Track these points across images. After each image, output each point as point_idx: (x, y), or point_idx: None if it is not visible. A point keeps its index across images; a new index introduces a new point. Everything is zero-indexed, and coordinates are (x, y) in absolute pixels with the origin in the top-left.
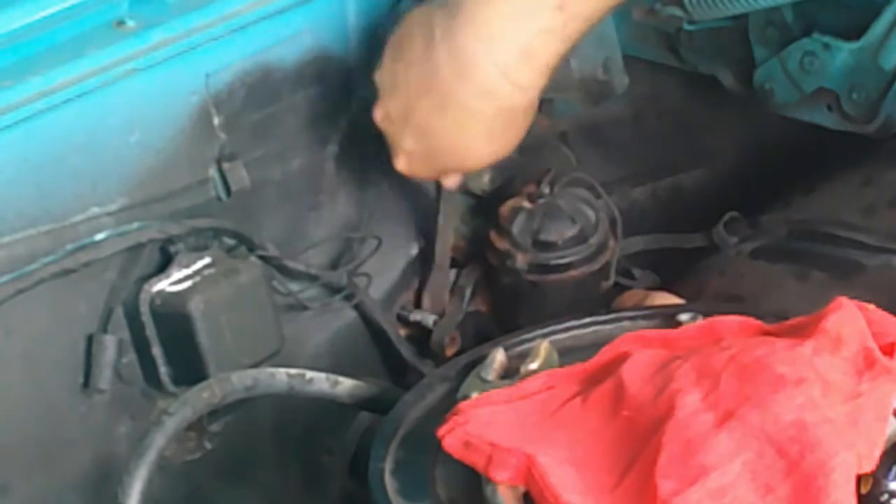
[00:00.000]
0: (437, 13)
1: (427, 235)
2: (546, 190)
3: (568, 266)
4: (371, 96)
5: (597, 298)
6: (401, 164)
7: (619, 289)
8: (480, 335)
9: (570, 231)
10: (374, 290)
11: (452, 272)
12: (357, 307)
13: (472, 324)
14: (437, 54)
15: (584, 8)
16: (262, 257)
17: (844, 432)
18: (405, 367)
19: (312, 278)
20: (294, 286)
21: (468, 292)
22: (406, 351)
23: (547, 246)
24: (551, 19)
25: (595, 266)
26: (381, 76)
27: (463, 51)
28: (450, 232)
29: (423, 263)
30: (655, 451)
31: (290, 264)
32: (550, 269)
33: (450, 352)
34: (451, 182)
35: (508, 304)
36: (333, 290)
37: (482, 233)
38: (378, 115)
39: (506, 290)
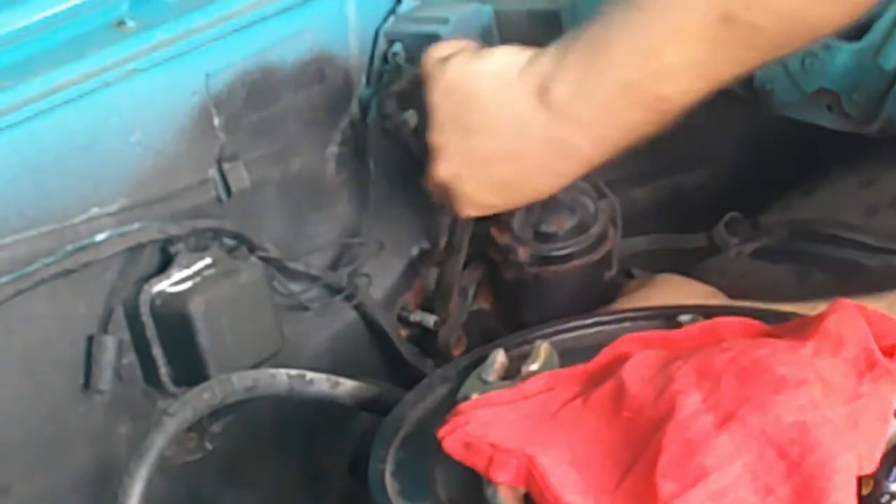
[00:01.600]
0: (526, 96)
1: (428, 236)
2: None
3: (570, 256)
4: (370, 98)
5: (600, 289)
6: (471, 210)
7: (616, 283)
8: (485, 333)
9: (570, 221)
10: (375, 290)
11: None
12: (357, 308)
13: (475, 322)
14: (532, 139)
15: (679, 99)
16: (262, 258)
17: (845, 434)
18: (406, 367)
19: (313, 279)
20: (294, 287)
21: (471, 291)
22: (407, 351)
23: (548, 237)
24: (650, 121)
25: (597, 256)
26: (445, 139)
27: (565, 142)
28: (462, 256)
29: (424, 265)
30: (656, 453)
31: (291, 265)
32: (552, 261)
33: (456, 351)
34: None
35: (513, 299)
36: (334, 290)
37: (481, 231)
38: (443, 172)
39: (509, 284)
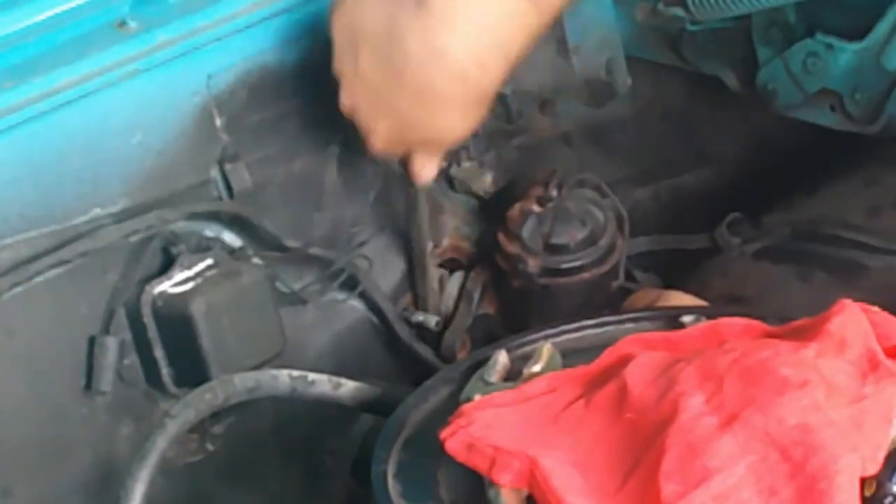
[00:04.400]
0: (398, 5)
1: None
2: (554, 192)
3: (579, 269)
4: None
5: (607, 299)
6: (377, 144)
7: (622, 291)
8: (489, 338)
9: (581, 233)
10: None
11: (442, 272)
12: (361, 295)
13: (480, 327)
14: (408, 45)
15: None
16: (260, 237)
17: (848, 435)
18: (409, 359)
19: (312, 259)
20: (294, 271)
21: (476, 296)
22: (406, 336)
23: (559, 249)
24: (522, 13)
25: (605, 267)
26: (342, 67)
27: (435, 42)
28: (425, 230)
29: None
30: (659, 454)
31: (291, 244)
32: (562, 273)
33: (461, 356)
34: (424, 178)
35: (519, 307)
36: (334, 275)
37: (487, 235)
38: (346, 103)
39: (516, 293)
